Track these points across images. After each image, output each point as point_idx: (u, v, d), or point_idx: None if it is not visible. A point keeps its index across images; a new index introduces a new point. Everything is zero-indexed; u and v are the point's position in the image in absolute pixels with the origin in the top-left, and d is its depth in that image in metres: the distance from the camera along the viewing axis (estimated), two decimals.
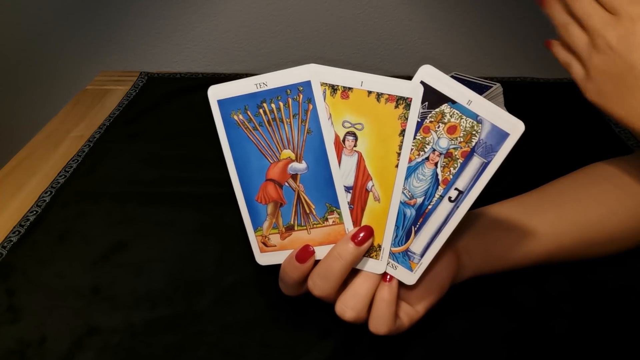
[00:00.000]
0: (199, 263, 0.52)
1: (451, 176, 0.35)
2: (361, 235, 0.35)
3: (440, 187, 0.35)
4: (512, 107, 0.76)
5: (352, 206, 0.36)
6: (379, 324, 0.36)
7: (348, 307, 0.36)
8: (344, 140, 0.36)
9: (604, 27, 0.35)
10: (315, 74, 0.34)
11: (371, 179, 0.36)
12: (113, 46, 1.05)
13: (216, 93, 0.37)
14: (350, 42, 1.01)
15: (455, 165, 0.35)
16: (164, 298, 0.48)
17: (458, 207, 0.35)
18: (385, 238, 0.36)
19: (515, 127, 0.32)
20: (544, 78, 0.89)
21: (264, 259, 0.39)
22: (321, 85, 0.35)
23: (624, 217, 0.44)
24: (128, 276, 0.50)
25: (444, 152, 0.35)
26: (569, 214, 0.44)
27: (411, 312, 0.39)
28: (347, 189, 0.36)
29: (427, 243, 0.36)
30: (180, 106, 0.82)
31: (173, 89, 0.87)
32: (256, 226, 0.39)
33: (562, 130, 0.74)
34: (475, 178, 0.34)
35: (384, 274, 0.37)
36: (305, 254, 0.37)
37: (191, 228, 0.56)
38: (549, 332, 0.43)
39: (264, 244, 0.39)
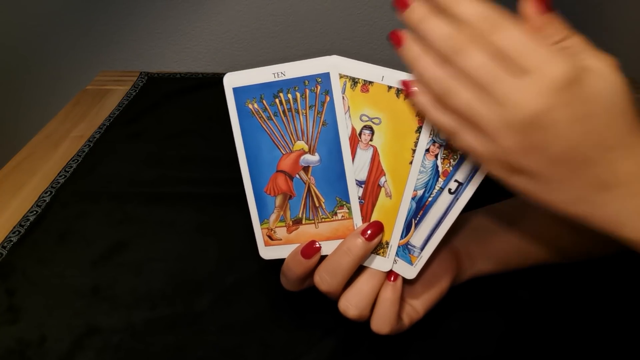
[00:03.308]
0: (199, 263, 0.52)
1: (451, 168, 0.35)
2: (370, 231, 0.35)
3: (440, 179, 0.35)
4: None
5: (362, 201, 0.36)
6: (382, 323, 0.36)
7: (352, 304, 0.36)
8: (360, 134, 0.36)
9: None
10: (334, 66, 0.33)
11: (384, 175, 0.36)
12: (113, 46, 1.05)
13: (232, 81, 0.36)
14: (351, 42, 1.01)
15: (455, 156, 0.35)
16: (164, 298, 0.48)
17: (458, 199, 0.35)
18: (394, 235, 0.36)
19: None
20: None
21: (267, 253, 0.39)
22: (342, 77, 0.35)
23: None
24: (128, 276, 0.50)
25: (444, 144, 0.35)
26: None
27: (412, 312, 0.39)
28: (359, 183, 0.36)
29: (427, 236, 0.36)
30: (180, 106, 0.82)
31: (173, 89, 0.86)
32: (263, 219, 0.38)
33: None
34: (474, 169, 0.34)
35: (389, 273, 0.37)
36: (310, 249, 0.36)
37: (191, 228, 0.56)
38: (549, 332, 0.43)
39: (270, 237, 0.38)
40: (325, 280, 0.36)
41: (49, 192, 0.62)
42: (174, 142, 0.73)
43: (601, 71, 0.27)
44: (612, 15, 0.97)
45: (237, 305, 0.47)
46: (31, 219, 0.58)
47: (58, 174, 0.65)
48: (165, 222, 0.57)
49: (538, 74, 0.26)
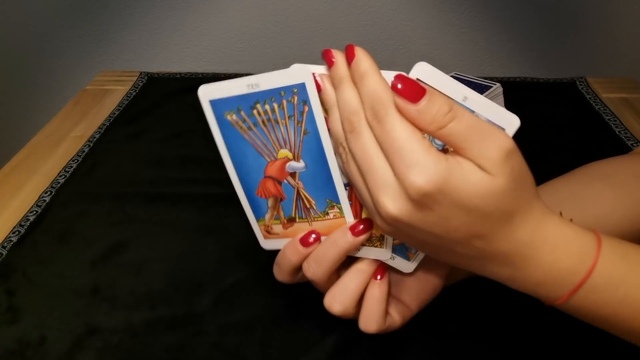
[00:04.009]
0: (199, 263, 0.52)
1: None
2: (360, 227, 0.35)
3: None
4: (512, 107, 0.76)
5: (350, 202, 0.36)
6: (369, 322, 0.36)
7: (336, 301, 0.36)
8: None
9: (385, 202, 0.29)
10: (309, 75, 0.33)
11: None
12: (113, 46, 1.05)
13: (207, 93, 0.35)
14: (350, 42, 1.01)
15: None
16: (164, 298, 0.48)
17: None
18: None
19: (510, 122, 0.32)
20: (544, 78, 0.89)
21: (268, 244, 0.39)
22: None
23: (621, 217, 0.44)
24: (128, 276, 0.50)
25: (440, 148, 0.35)
26: (564, 214, 0.44)
27: (404, 310, 0.39)
28: (345, 184, 0.36)
29: None
30: (180, 106, 0.82)
31: (173, 89, 0.87)
32: (258, 217, 0.38)
33: (562, 130, 0.74)
34: None
35: (375, 272, 0.37)
36: (309, 238, 0.37)
37: (191, 228, 0.56)
38: (547, 331, 0.43)
39: (267, 231, 0.39)
40: (311, 267, 0.36)
41: (49, 192, 0.62)
42: (174, 142, 0.73)
43: (468, 175, 0.27)
44: (612, 16, 0.97)
45: (237, 305, 0.47)
46: (31, 219, 0.58)
47: (58, 174, 0.65)
48: (165, 222, 0.57)
49: (401, 180, 0.27)
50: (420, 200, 0.27)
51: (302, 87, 0.33)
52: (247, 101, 0.34)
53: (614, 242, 0.30)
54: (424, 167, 0.26)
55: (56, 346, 0.43)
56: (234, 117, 0.35)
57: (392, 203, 0.28)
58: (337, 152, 0.33)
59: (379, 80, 0.29)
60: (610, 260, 0.29)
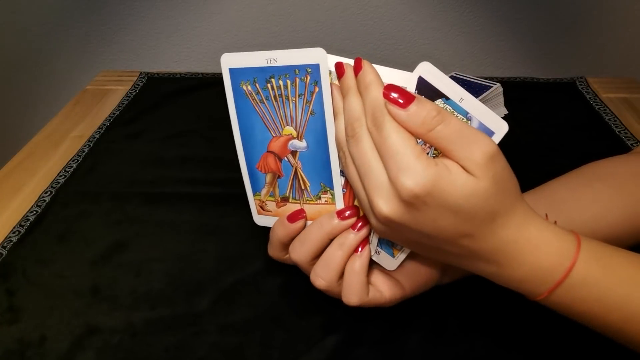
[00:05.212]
0: (199, 263, 0.52)
1: None
2: (346, 213, 0.37)
3: None
4: (512, 107, 0.76)
5: (344, 190, 0.37)
6: (349, 294, 0.37)
7: (318, 275, 0.38)
8: None
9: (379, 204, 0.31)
10: (324, 58, 0.34)
11: None
12: (113, 46, 1.05)
13: (228, 61, 0.37)
14: (350, 42, 1.01)
15: (436, 153, 0.35)
16: (164, 298, 0.48)
17: None
18: None
19: (500, 127, 0.33)
20: (544, 78, 0.89)
21: (260, 220, 0.42)
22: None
23: (620, 216, 0.44)
24: (128, 276, 0.50)
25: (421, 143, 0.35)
26: (563, 213, 0.44)
27: (395, 287, 0.39)
28: (342, 172, 0.37)
29: None
30: (180, 106, 0.82)
31: (173, 89, 0.86)
32: (255, 191, 0.40)
33: (561, 130, 0.74)
34: None
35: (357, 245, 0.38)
36: (296, 215, 0.39)
37: (191, 228, 0.56)
38: (548, 328, 0.43)
39: (261, 207, 0.41)
40: (295, 248, 0.38)
41: (49, 192, 0.62)
42: (174, 142, 0.73)
43: (454, 178, 0.29)
44: (612, 15, 0.97)
45: (237, 305, 0.47)
46: (31, 219, 0.58)
47: (58, 174, 0.65)
48: (165, 222, 0.57)
49: (393, 183, 0.30)
50: (410, 202, 0.29)
51: (316, 68, 0.34)
52: (264, 74, 0.36)
53: (593, 244, 0.32)
54: (414, 171, 0.29)
55: (56, 346, 0.43)
56: (249, 87, 0.37)
57: (384, 204, 0.30)
58: (338, 155, 0.35)
59: (381, 91, 0.31)
60: (587, 262, 0.31)
